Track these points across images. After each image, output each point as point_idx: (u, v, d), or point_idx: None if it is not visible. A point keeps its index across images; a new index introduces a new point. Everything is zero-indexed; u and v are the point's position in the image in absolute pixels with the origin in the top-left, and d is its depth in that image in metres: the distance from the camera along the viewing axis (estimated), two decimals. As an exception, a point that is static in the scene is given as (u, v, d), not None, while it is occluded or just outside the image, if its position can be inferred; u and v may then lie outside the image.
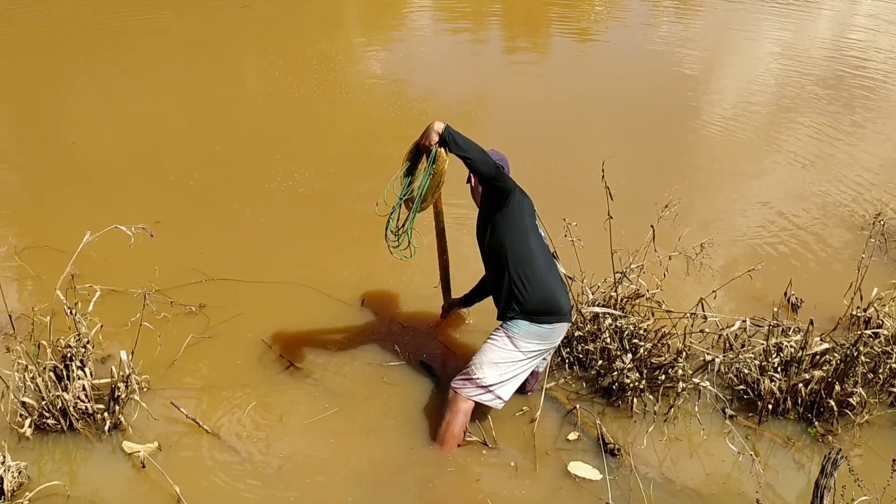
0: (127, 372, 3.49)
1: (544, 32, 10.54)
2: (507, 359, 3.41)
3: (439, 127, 3.24)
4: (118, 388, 3.50)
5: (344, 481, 3.37)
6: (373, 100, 7.88)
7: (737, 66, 9.11)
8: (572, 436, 3.63)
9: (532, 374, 3.71)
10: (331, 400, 3.80)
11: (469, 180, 3.63)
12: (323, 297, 4.51)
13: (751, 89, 8.20)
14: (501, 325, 3.49)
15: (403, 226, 3.53)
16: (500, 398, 3.45)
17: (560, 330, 3.48)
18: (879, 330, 3.82)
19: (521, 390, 3.75)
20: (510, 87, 8.22)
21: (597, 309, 3.78)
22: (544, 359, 3.65)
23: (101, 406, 3.51)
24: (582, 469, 3.43)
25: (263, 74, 8.41)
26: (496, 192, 3.36)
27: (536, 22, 10.88)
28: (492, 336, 3.49)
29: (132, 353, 3.58)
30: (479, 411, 3.67)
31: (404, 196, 3.50)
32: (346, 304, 4.46)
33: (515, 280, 3.39)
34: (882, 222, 4.47)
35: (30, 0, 10.67)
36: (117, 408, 3.52)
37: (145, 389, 3.71)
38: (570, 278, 3.94)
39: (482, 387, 3.41)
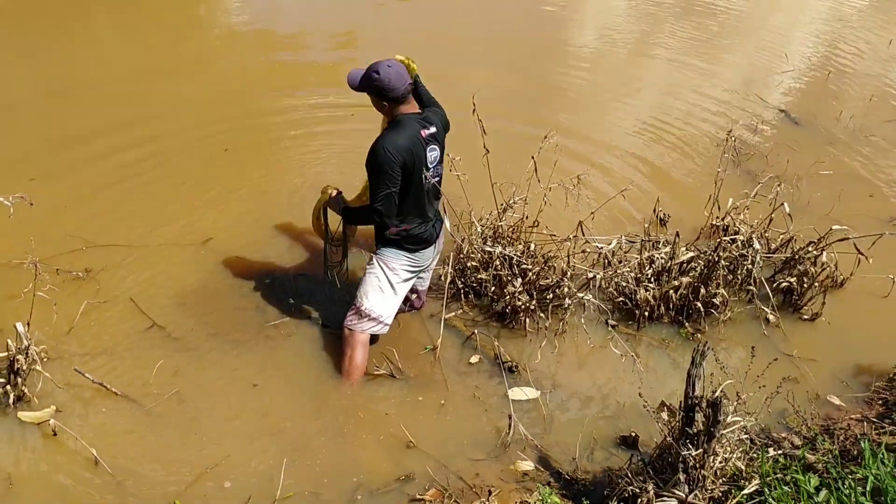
0: (25, 343, 3.42)
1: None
2: (385, 284, 3.65)
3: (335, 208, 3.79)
4: (17, 361, 3.43)
5: (257, 433, 3.46)
6: (239, 50, 7.69)
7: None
8: (474, 359, 3.89)
9: (414, 292, 4.01)
10: (232, 354, 3.87)
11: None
12: (211, 255, 4.50)
13: (613, 18, 8.54)
14: (375, 254, 3.69)
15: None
16: (386, 324, 3.72)
17: (427, 253, 3.72)
18: (736, 236, 4.25)
19: (410, 307, 4.07)
20: (380, 26, 8.20)
21: (493, 248, 3.97)
22: (420, 277, 3.91)
23: (1, 380, 3.44)
24: (519, 393, 3.69)
25: (120, 28, 7.98)
26: None
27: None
28: (368, 266, 3.71)
29: (27, 324, 3.51)
30: (385, 346, 3.85)
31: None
32: (243, 260, 4.47)
33: None
34: (733, 138, 4.88)
35: None
36: (19, 380, 3.45)
37: (45, 359, 3.63)
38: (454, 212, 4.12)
39: (372, 318, 3.65)
